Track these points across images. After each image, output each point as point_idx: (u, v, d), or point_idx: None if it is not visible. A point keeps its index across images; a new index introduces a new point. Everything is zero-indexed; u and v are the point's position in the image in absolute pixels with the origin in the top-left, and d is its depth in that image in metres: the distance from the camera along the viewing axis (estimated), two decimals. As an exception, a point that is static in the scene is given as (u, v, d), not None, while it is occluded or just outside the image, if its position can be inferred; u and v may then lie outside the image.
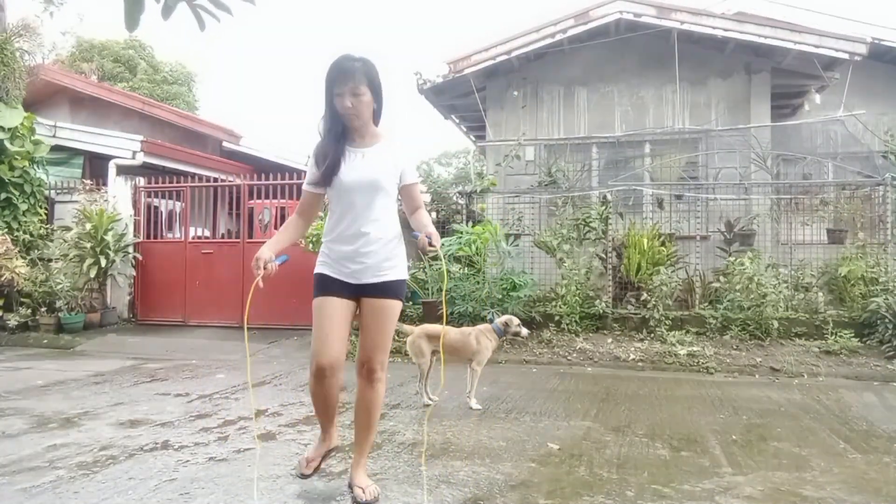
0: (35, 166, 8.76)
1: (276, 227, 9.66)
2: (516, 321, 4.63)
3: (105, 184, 9.10)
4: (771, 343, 6.51)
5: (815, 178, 8.66)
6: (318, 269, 2.74)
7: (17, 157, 8.39)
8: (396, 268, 2.72)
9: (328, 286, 2.69)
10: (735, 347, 6.43)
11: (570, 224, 7.64)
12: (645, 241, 7.24)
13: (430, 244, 2.50)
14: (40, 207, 8.83)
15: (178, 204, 9.88)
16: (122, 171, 9.22)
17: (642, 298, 7.02)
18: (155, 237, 9.40)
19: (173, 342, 7.74)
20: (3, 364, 6.43)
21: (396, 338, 6.87)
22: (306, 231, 2.92)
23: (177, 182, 9.16)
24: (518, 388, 5.24)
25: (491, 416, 4.27)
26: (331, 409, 2.78)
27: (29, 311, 8.07)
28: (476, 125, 11.58)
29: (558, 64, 9.28)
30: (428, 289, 7.94)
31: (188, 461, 3.26)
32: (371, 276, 2.66)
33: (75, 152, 9.93)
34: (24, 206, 8.54)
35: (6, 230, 8.20)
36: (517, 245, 7.66)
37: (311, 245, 7.36)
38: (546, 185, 8.69)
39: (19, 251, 8.19)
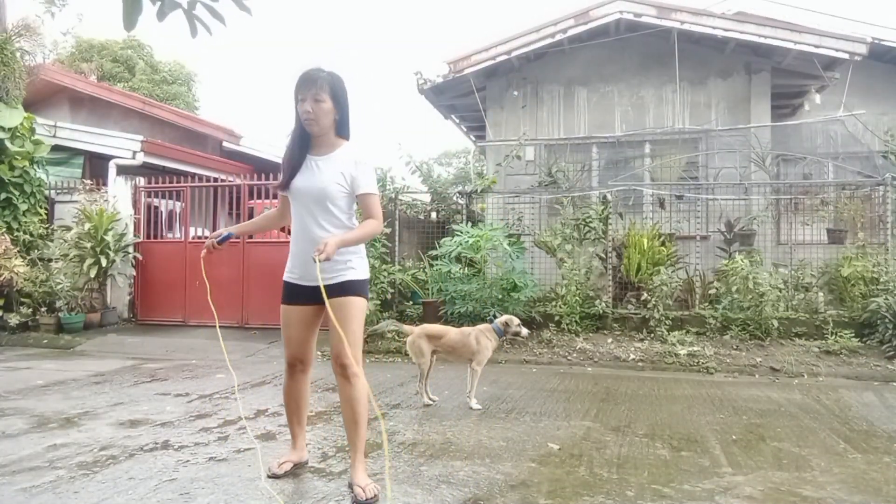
0: (35, 166, 8.76)
1: (276, 228, 9.65)
2: (516, 321, 4.63)
3: (105, 184, 9.11)
4: (771, 343, 6.51)
5: (815, 178, 8.66)
6: (284, 275, 2.97)
7: (17, 157, 8.39)
8: (353, 269, 2.82)
9: (290, 294, 2.93)
10: (735, 347, 6.43)
11: (570, 224, 7.64)
12: (645, 241, 7.24)
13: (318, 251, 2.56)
14: (40, 207, 8.83)
15: (178, 204, 9.88)
16: (123, 171, 9.22)
17: (642, 298, 7.02)
18: (155, 237, 9.40)
19: (173, 342, 7.74)
20: (3, 364, 6.43)
21: (397, 338, 6.90)
22: (280, 224, 3.22)
23: (177, 182, 9.16)
24: (518, 388, 5.23)
25: (491, 416, 4.27)
26: (300, 409, 3.04)
27: (29, 311, 8.07)
28: (476, 125, 11.58)
29: (558, 64, 9.28)
30: (428, 289, 7.94)
31: (188, 461, 3.26)
32: (321, 279, 2.68)
33: (75, 152, 9.93)
34: (24, 206, 8.54)
35: (6, 230, 8.20)
36: (521, 246, 7.65)
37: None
38: (546, 185, 8.69)
39: (19, 251, 8.20)
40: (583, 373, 6.00)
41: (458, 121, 11.76)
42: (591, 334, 7.04)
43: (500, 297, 6.93)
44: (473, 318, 6.71)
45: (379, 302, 7.33)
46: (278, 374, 5.83)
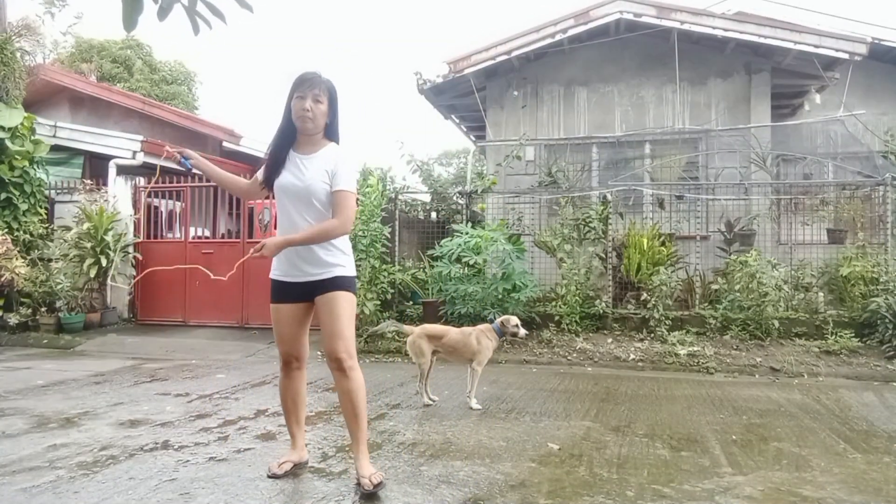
0: (35, 166, 8.75)
1: (275, 227, 9.66)
2: (515, 321, 4.61)
3: (105, 184, 9.11)
4: (771, 343, 6.51)
5: (815, 178, 8.66)
6: (271, 273, 2.98)
7: (17, 157, 8.39)
8: (339, 266, 2.86)
9: (278, 292, 2.94)
10: (735, 347, 6.43)
11: (570, 224, 7.64)
12: (645, 241, 7.24)
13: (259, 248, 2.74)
14: (40, 207, 8.83)
15: (178, 204, 9.88)
16: (123, 170, 9.22)
17: (642, 298, 7.02)
18: (155, 237, 9.40)
19: (173, 342, 7.74)
20: (3, 364, 6.43)
21: (397, 338, 6.90)
22: (243, 197, 3.33)
23: (177, 182, 9.16)
24: (518, 388, 5.23)
25: (491, 416, 4.27)
26: (298, 407, 3.08)
27: (29, 311, 8.07)
28: (476, 125, 11.58)
29: (558, 64, 9.28)
30: (428, 289, 7.94)
31: (188, 461, 3.26)
32: (310, 276, 2.84)
33: (75, 152, 9.93)
34: (24, 206, 8.54)
35: (6, 230, 8.20)
36: (522, 246, 7.65)
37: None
38: (546, 185, 8.70)
39: (19, 251, 8.19)
40: (583, 373, 6.00)
41: (458, 121, 11.76)
42: (591, 334, 7.04)
43: (500, 297, 6.93)
44: (474, 319, 6.71)
45: (379, 302, 7.32)
46: (278, 374, 5.82)
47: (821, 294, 7.09)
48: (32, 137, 8.77)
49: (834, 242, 7.62)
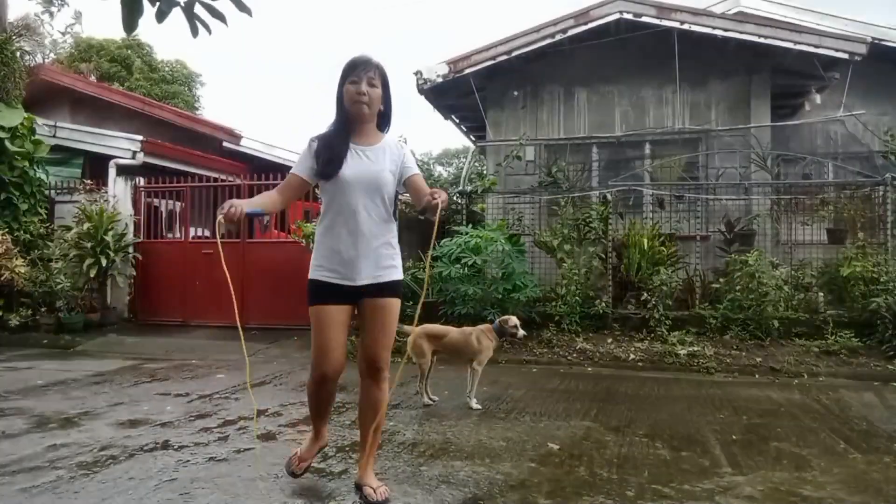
0: (35, 166, 8.76)
1: (276, 227, 9.67)
2: (514, 321, 4.59)
3: (105, 184, 9.10)
4: (771, 343, 6.50)
5: (815, 178, 8.66)
6: (312, 275, 2.67)
7: (17, 157, 8.40)
8: (395, 268, 2.70)
9: (324, 293, 2.63)
10: (735, 347, 6.43)
11: (570, 224, 7.64)
12: (645, 241, 7.24)
13: (433, 202, 2.40)
14: (40, 207, 8.84)
15: (178, 204, 9.88)
16: (123, 171, 9.22)
17: (642, 298, 7.02)
18: (155, 237, 9.40)
19: (173, 342, 7.74)
20: (3, 364, 6.43)
21: (397, 338, 6.89)
22: (280, 207, 2.80)
23: (177, 182, 9.16)
24: (518, 388, 5.23)
25: (491, 416, 4.27)
26: (328, 410, 2.89)
27: (29, 311, 8.07)
28: (476, 125, 11.57)
29: (558, 64, 9.28)
30: (428, 289, 7.93)
31: (188, 461, 3.26)
32: (369, 278, 2.61)
33: (75, 152, 9.93)
34: (24, 206, 8.54)
35: (6, 230, 8.20)
36: (522, 247, 7.64)
37: (311, 244, 7.36)
38: (546, 185, 8.69)
39: (19, 251, 8.19)
40: (583, 373, 6.00)
41: (458, 121, 11.75)
42: (591, 334, 7.04)
43: (500, 297, 6.93)
44: (474, 319, 6.70)
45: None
46: (278, 373, 5.84)
47: (821, 294, 7.08)
48: (32, 137, 8.77)
49: (834, 242, 7.61)
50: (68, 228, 8.62)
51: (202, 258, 8.96)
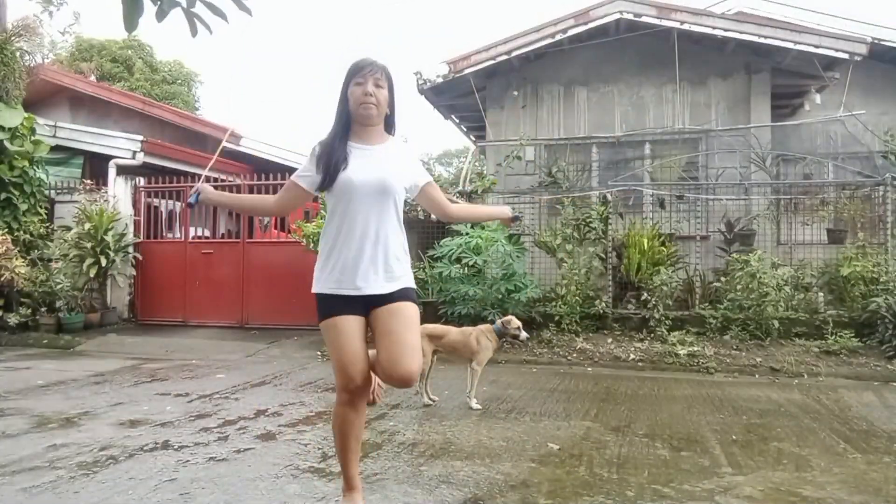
0: (35, 166, 8.76)
1: (276, 227, 9.68)
2: (516, 323, 4.59)
3: (105, 184, 9.11)
4: (771, 343, 6.50)
5: (815, 178, 8.65)
6: (319, 288, 2.46)
7: (17, 157, 8.40)
8: (406, 276, 2.51)
9: (336, 304, 2.41)
10: (735, 347, 6.43)
11: (570, 224, 7.64)
12: (645, 241, 7.24)
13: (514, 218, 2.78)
14: (40, 207, 8.84)
15: (178, 204, 9.88)
16: (123, 171, 9.23)
17: (642, 298, 7.02)
18: (155, 237, 9.41)
19: (173, 342, 7.74)
20: (3, 364, 6.43)
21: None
22: (271, 214, 2.62)
23: (177, 182, 9.17)
24: (518, 388, 5.23)
25: (491, 416, 4.27)
26: (358, 443, 2.52)
27: (29, 311, 8.07)
28: (476, 125, 11.57)
29: (558, 64, 9.28)
30: (428, 289, 7.93)
31: (188, 461, 3.26)
32: (380, 287, 2.42)
33: (75, 152, 9.93)
34: (24, 206, 8.54)
35: (6, 230, 8.20)
36: (522, 247, 7.64)
37: (311, 244, 7.36)
38: (546, 185, 8.69)
39: (19, 251, 8.19)
40: (583, 373, 6.00)
41: (458, 121, 11.75)
42: (591, 334, 7.04)
43: (500, 297, 6.93)
44: (474, 319, 6.71)
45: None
46: (278, 374, 5.83)
47: (821, 294, 7.08)
48: (32, 137, 8.77)
49: (834, 242, 7.61)
50: (68, 228, 8.63)
51: (202, 258, 8.97)
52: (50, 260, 8.48)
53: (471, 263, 7.03)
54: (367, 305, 2.43)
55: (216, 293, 8.80)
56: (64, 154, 9.88)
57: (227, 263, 8.84)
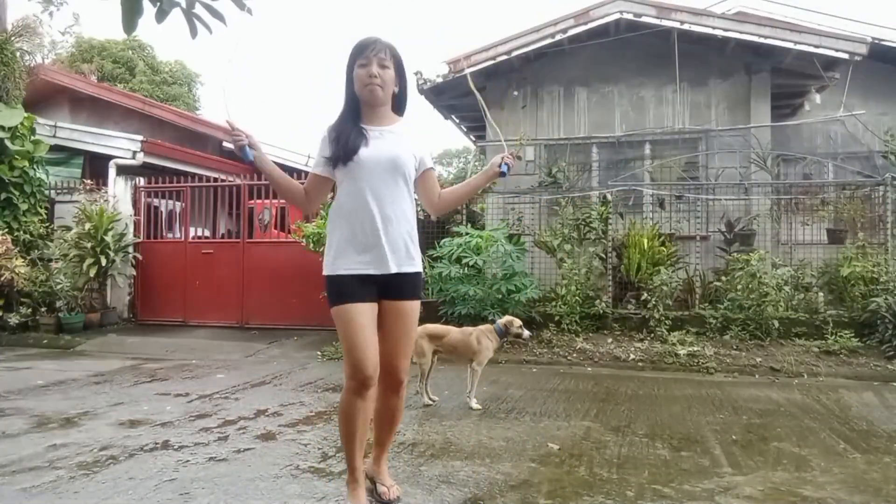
0: (35, 166, 8.76)
1: (276, 227, 9.68)
2: (518, 323, 4.61)
3: (105, 184, 9.11)
4: (771, 343, 6.50)
5: (815, 178, 8.66)
6: (332, 271, 2.43)
7: (17, 157, 8.40)
8: (416, 258, 2.51)
9: (350, 290, 2.40)
10: (735, 347, 6.43)
11: (570, 224, 7.64)
12: (645, 241, 7.24)
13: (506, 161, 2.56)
14: (40, 207, 8.84)
15: (178, 204, 9.88)
16: (123, 171, 9.23)
17: (642, 298, 7.02)
18: (155, 237, 9.41)
19: (173, 342, 7.74)
20: (3, 364, 6.43)
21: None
22: (300, 200, 2.60)
23: (177, 182, 9.17)
24: (518, 388, 5.23)
25: (491, 416, 4.27)
26: (364, 435, 2.52)
27: (29, 311, 8.07)
28: (476, 125, 11.58)
29: (558, 64, 9.28)
30: (428, 289, 7.93)
31: (188, 461, 3.26)
32: (393, 265, 2.41)
33: (75, 152, 9.93)
34: (24, 206, 8.54)
35: (6, 230, 8.20)
36: (522, 247, 7.64)
37: (311, 244, 7.36)
38: (546, 185, 8.69)
39: (19, 251, 8.19)
40: (583, 373, 6.00)
41: (458, 121, 11.76)
42: (591, 334, 7.03)
43: (500, 297, 6.93)
44: (474, 319, 6.71)
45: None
46: (278, 374, 5.83)
47: (821, 294, 7.08)
48: (32, 137, 8.77)
49: (834, 242, 7.61)
50: (68, 228, 8.63)
51: (202, 258, 8.97)
52: (50, 260, 8.48)
53: (471, 263, 7.03)
54: (380, 288, 2.44)
55: (216, 293, 8.80)
56: (64, 154, 9.88)
57: (227, 263, 8.84)
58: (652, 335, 6.84)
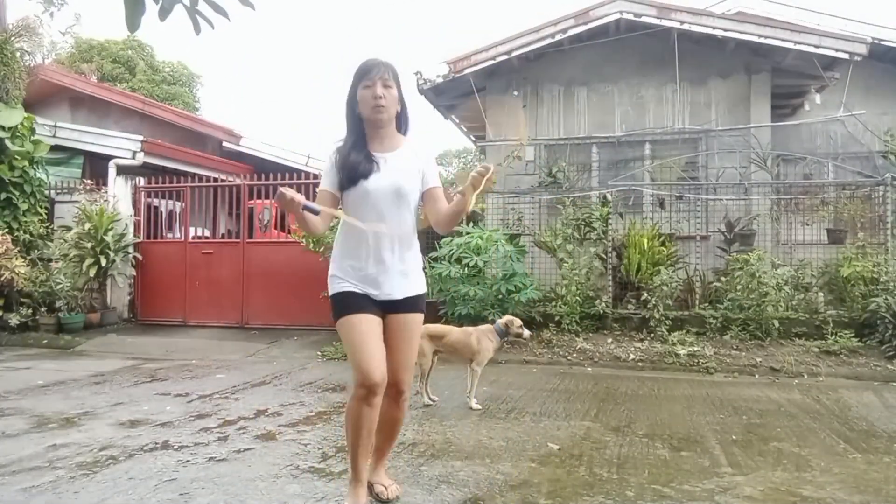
0: (35, 166, 8.76)
1: (276, 227, 9.69)
2: (518, 323, 4.61)
3: (105, 184, 9.11)
4: (771, 343, 6.50)
5: (815, 178, 8.65)
6: (336, 289, 2.53)
7: (17, 157, 8.40)
8: (418, 281, 2.61)
9: (354, 302, 2.48)
10: (735, 347, 6.43)
11: (570, 224, 7.64)
12: (645, 241, 7.24)
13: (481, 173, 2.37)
14: (40, 207, 8.83)
15: (178, 204, 9.88)
16: (123, 171, 9.23)
17: (642, 298, 7.02)
18: (155, 237, 9.41)
19: (173, 342, 7.74)
20: (3, 364, 6.44)
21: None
22: (322, 226, 2.54)
23: (177, 182, 9.16)
24: (518, 388, 5.23)
25: (491, 416, 4.27)
26: (371, 439, 2.55)
27: (29, 311, 8.07)
28: (476, 125, 11.56)
29: (558, 64, 9.28)
30: (428, 289, 7.94)
31: (188, 461, 3.26)
32: (395, 290, 2.51)
33: (75, 152, 9.93)
34: (24, 206, 8.54)
35: (6, 230, 8.20)
36: (523, 248, 7.63)
37: (311, 244, 7.36)
38: (546, 185, 8.69)
39: (19, 251, 8.19)
40: (583, 373, 6.00)
41: (458, 121, 11.75)
42: (591, 334, 7.03)
43: (500, 298, 6.93)
44: (474, 319, 6.70)
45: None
46: (278, 374, 5.83)
47: (821, 294, 7.08)
48: (32, 137, 8.77)
49: (834, 242, 7.61)
50: (68, 228, 8.62)
51: (202, 258, 8.97)
52: (50, 260, 8.48)
53: (471, 264, 7.03)
54: (383, 306, 2.52)
55: (216, 293, 8.80)
56: (64, 154, 9.87)
57: (227, 263, 8.83)
58: (652, 335, 6.84)
